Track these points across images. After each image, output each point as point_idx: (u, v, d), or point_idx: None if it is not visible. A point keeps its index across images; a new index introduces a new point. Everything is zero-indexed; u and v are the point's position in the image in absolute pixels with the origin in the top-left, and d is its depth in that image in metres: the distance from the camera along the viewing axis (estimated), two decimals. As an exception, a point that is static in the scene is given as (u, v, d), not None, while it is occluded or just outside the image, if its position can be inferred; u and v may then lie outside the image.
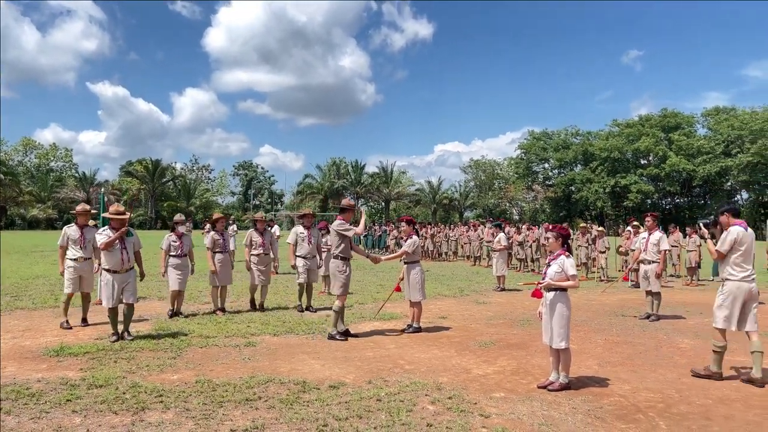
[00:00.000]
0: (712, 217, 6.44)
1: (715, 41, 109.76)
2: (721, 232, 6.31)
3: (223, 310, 9.82)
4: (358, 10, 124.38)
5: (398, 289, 8.81)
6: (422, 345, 7.61)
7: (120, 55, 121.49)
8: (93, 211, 9.42)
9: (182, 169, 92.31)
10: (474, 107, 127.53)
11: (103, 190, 13.92)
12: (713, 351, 6.10)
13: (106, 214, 7.66)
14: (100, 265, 9.63)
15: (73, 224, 8.87)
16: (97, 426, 4.48)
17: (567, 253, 5.82)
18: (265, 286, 10.35)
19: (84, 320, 8.73)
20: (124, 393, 5.28)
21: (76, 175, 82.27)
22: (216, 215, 10.35)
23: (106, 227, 7.71)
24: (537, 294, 5.90)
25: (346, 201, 8.36)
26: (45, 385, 5.52)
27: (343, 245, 7.98)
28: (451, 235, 25.85)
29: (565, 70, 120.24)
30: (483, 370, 6.39)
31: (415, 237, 8.57)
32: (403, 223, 8.82)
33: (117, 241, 7.54)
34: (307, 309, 10.20)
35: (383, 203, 79.05)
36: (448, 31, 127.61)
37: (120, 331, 7.62)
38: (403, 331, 8.43)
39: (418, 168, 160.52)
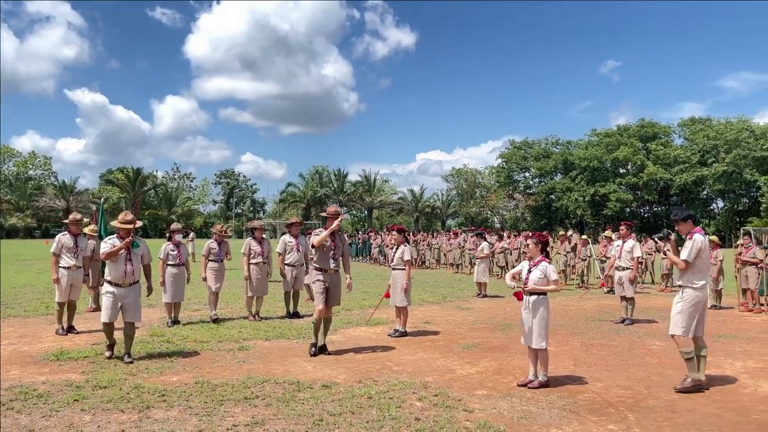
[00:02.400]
0: (665, 229, 6.49)
1: (692, 52, 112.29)
2: (675, 245, 6.33)
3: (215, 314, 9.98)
4: (341, 19, 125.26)
5: (387, 296, 9.13)
6: (408, 348, 7.98)
7: (100, 63, 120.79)
8: (85, 220, 9.55)
9: (164, 177, 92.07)
10: (455, 116, 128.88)
11: (103, 200, 14.04)
12: (686, 360, 5.96)
13: (114, 223, 7.15)
14: (88, 275, 9.69)
15: (66, 232, 8.93)
16: (107, 423, 4.78)
17: (548, 260, 6.24)
18: (261, 296, 10.29)
19: (71, 328, 8.82)
20: (128, 393, 5.58)
21: (56, 183, 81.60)
22: (217, 226, 10.57)
23: (112, 236, 7.11)
24: (519, 296, 6.31)
25: (329, 209, 7.77)
26: (51, 387, 5.79)
27: (318, 254, 7.53)
28: (434, 243, 26.29)
29: (545, 80, 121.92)
30: (466, 370, 6.78)
31: (408, 245, 9.08)
32: (394, 232, 9.25)
33: (122, 251, 6.91)
34: (294, 315, 10.42)
35: (366, 211, 79.49)
36: (431, 40, 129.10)
37: (122, 352, 7.04)
38: (390, 335, 8.79)
39: (400, 176, 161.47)
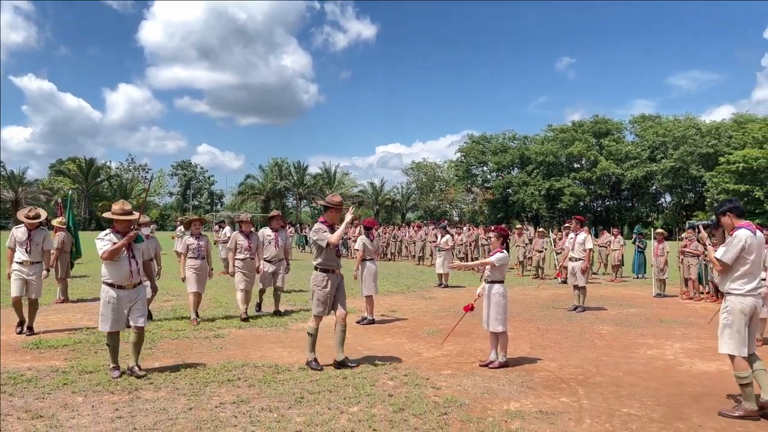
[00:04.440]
0: (713, 217, 5.49)
1: (644, 51, 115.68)
2: (723, 236, 5.40)
3: (196, 316, 9.18)
4: (301, 10, 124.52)
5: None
6: (377, 334, 8.44)
7: (48, 49, 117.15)
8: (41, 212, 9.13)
9: (117, 168, 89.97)
10: (415, 109, 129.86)
11: (71, 192, 13.98)
12: (740, 385, 5.03)
13: (108, 214, 6.26)
14: (48, 270, 8.73)
15: (21, 225, 8.37)
16: (100, 403, 5.08)
17: (501, 250, 6.79)
18: (249, 291, 9.68)
19: (30, 329, 8.11)
20: (114, 377, 5.86)
21: (3, 173, 78.80)
22: (191, 217, 10.03)
23: (108, 231, 6.12)
24: (469, 307, 7.10)
25: (329, 197, 6.81)
26: (37, 372, 6.03)
27: (322, 253, 6.52)
28: (398, 235, 26.91)
29: (502, 75, 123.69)
30: (432, 353, 7.29)
31: (363, 237, 9.68)
32: (361, 226, 9.83)
33: (124, 249, 6.01)
34: (275, 313, 9.91)
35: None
36: (391, 33, 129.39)
37: (129, 365, 6.07)
38: (358, 323, 9.24)
39: (359, 169, 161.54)
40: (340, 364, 6.47)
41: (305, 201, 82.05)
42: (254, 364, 6.52)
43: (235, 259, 9.62)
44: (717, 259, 5.15)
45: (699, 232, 6.07)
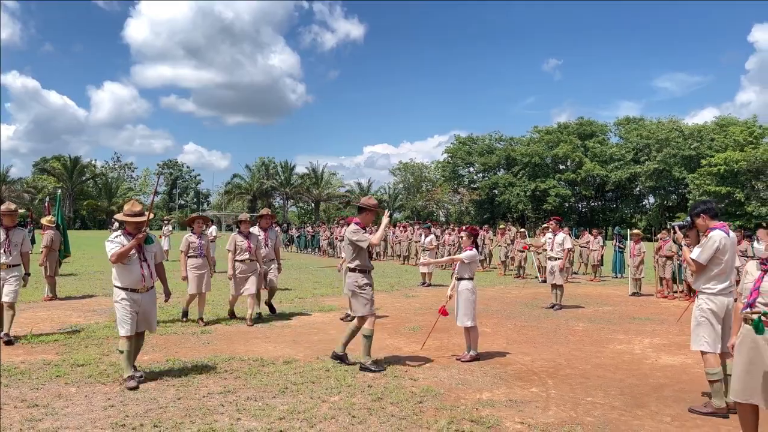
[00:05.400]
0: (688, 218, 5.54)
1: (630, 52, 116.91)
2: (697, 236, 5.51)
3: (201, 319, 9.04)
4: (289, 9, 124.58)
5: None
6: (359, 330, 8.73)
7: (33, 46, 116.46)
8: (21, 210, 8.50)
9: (103, 167, 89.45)
10: (403, 110, 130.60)
11: (59, 192, 14.12)
12: (710, 381, 5.12)
13: (119, 216, 6.02)
14: (28, 274, 8.03)
15: None
16: (92, 393, 5.33)
17: (471, 248, 7.11)
18: (253, 295, 9.23)
19: (6, 335, 7.41)
20: (105, 370, 6.12)
21: (-14, 171, 78.11)
22: (194, 215, 9.73)
23: (118, 233, 5.89)
24: (442, 311, 7.23)
25: (365, 199, 6.91)
26: (30, 365, 6.26)
27: (359, 254, 6.63)
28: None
29: (490, 76, 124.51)
30: (412, 348, 7.60)
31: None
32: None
33: (134, 251, 5.77)
34: (269, 308, 10.02)
35: (313, 204, 79.71)
36: (379, 33, 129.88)
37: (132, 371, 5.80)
38: (342, 319, 9.53)
39: (347, 169, 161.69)
40: (339, 358, 6.65)
41: (292, 201, 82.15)
42: (240, 357, 6.80)
43: (235, 261, 9.15)
44: (692, 260, 5.19)
45: (674, 232, 6.37)
